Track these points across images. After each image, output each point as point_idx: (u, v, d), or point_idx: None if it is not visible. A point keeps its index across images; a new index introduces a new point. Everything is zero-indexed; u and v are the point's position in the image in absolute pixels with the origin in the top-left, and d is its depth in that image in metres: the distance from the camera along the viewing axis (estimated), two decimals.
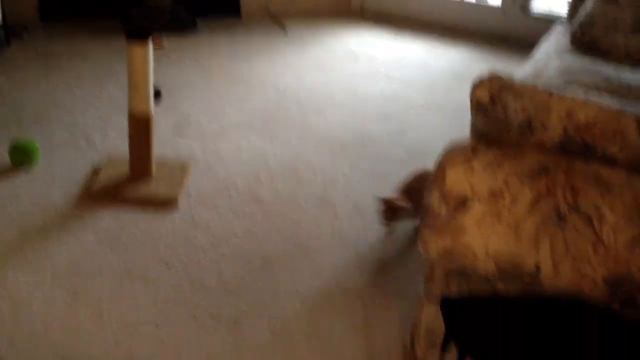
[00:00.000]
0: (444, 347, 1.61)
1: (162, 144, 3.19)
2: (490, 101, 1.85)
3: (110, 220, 2.68)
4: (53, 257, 2.47)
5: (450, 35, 4.99)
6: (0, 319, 2.19)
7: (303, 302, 2.35)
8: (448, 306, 1.59)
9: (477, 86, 1.88)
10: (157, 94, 2.81)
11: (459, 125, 3.45)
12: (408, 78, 4.16)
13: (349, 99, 3.81)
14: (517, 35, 4.81)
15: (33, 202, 2.76)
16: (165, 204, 2.79)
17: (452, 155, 1.84)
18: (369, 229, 2.73)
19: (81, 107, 3.49)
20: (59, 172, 2.95)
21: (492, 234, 1.75)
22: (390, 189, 2.81)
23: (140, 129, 2.82)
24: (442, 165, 1.84)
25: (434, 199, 1.82)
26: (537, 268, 1.74)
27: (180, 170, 2.99)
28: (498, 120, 1.88)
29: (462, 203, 1.78)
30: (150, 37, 2.67)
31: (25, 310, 2.24)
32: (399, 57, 4.54)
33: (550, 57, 3.26)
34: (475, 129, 1.95)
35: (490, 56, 4.61)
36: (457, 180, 1.79)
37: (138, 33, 2.65)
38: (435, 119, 3.64)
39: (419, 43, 4.83)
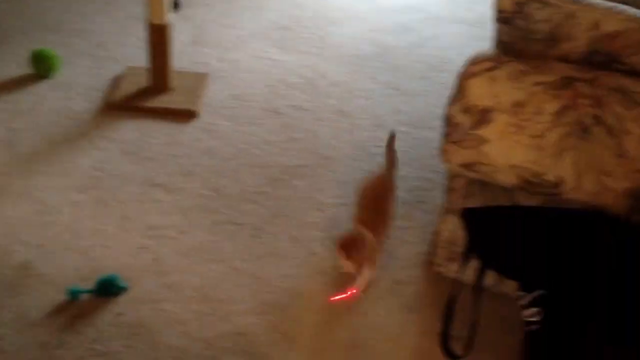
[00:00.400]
0: (465, 259, 1.64)
1: (180, 55, 3.17)
2: (514, 11, 1.83)
3: (131, 131, 2.70)
4: (78, 165, 2.51)
5: None
6: (30, 224, 2.25)
7: (322, 211, 2.39)
8: (469, 216, 1.61)
9: None
10: (177, 4, 2.78)
11: (480, 37, 3.40)
12: None
13: (368, 10, 3.75)
14: None
15: (56, 111, 2.78)
16: (185, 114, 2.81)
17: (475, 66, 1.84)
18: None
19: (101, 17, 3.46)
20: (80, 81, 2.96)
21: (514, 146, 1.76)
22: (408, 104, 2.81)
23: (158, 39, 2.81)
24: (465, 76, 1.83)
25: (455, 111, 1.82)
26: (559, 180, 1.76)
27: (199, 81, 2.99)
28: (522, 31, 1.86)
29: (484, 114, 1.79)
30: None
31: (54, 215, 2.29)
32: None
33: None
34: (498, 41, 1.93)
35: None
36: (480, 91, 1.80)
37: None
38: (457, 30, 3.59)
39: None
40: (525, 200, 1.90)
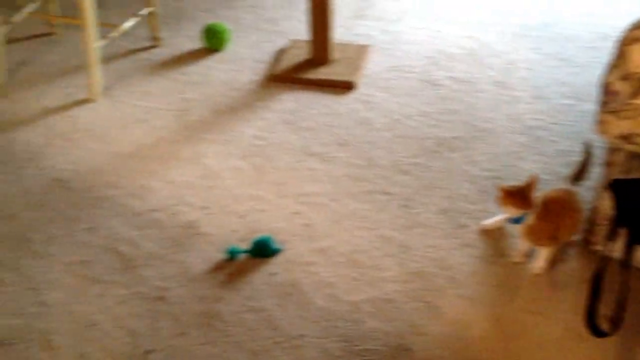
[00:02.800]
0: (613, 232, 1.57)
1: (342, 27, 3.24)
2: None
3: (291, 101, 2.81)
4: (241, 133, 2.65)
5: None
6: (195, 187, 2.42)
7: (474, 183, 2.36)
8: (619, 187, 1.53)
9: None
10: None
11: None
12: None
13: None
14: None
15: (224, 82, 2.94)
16: (343, 85, 2.87)
17: (636, 31, 1.73)
18: (549, 114, 2.65)
19: None
20: (247, 54, 3.11)
21: None
22: (574, 75, 2.68)
23: (320, 12, 2.88)
24: (626, 41, 1.74)
25: (613, 79, 1.73)
26: None
27: (359, 53, 3.03)
28: None
29: None
30: None
31: (217, 180, 2.45)
32: None
33: None
34: None
35: None
36: None
37: None
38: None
39: None
40: None
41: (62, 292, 2.06)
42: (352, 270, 2.10)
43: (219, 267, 2.13)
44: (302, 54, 3.04)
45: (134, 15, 3.08)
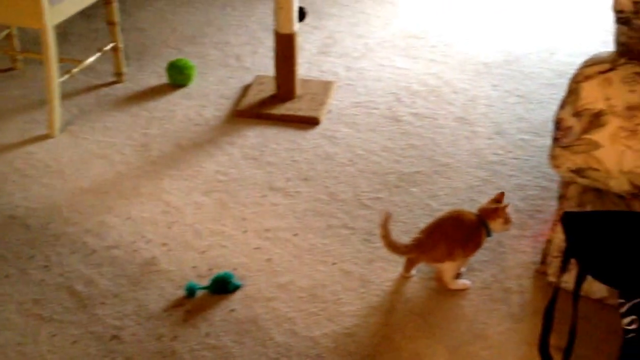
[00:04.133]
0: (564, 264, 1.58)
1: (307, 63, 3.27)
2: (632, 11, 1.74)
3: (255, 137, 2.81)
4: (204, 169, 2.65)
5: None
6: (156, 223, 2.40)
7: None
8: (570, 220, 1.55)
9: None
10: (302, 13, 2.86)
11: None
12: None
13: (498, 17, 3.68)
14: None
15: (188, 118, 2.94)
16: (308, 121, 2.88)
17: (589, 69, 1.77)
18: (508, 149, 2.69)
19: (233, 28, 3.63)
20: (212, 90, 3.12)
21: (627, 151, 1.69)
22: (532, 112, 2.72)
23: (285, 48, 2.90)
24: (578, 78, 1.77)
25: (566, 114, 1.76)
26: None
27: (324, 89, 3.05)
28: None
29: (596, 118, 1.72)
30: None
31: (178, 216, 2.43)
32: None
33: None
34: (617, 42, 1.85)
35: None
36: (592, 93, 1.73)
37: None
38: (590, 37, 3.45)
39: None
40: None
41: (14, 332, 2.02)
42: (313, 305, 2.09)
43: (177, 305, 2.10)
44: (267, 89, 3.05)
45: (98, 50, 3.08)
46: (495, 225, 2.08)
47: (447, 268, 2.08)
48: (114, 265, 2.23)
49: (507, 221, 2.08)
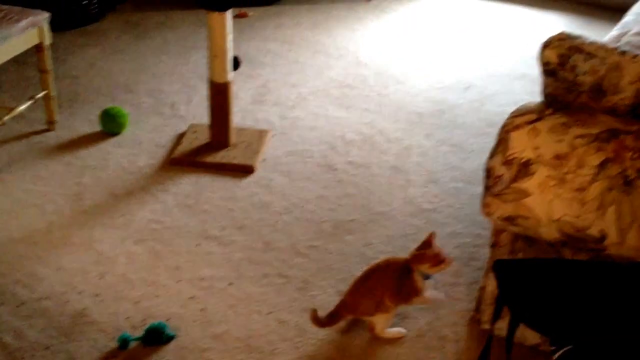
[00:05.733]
0: (497, 312, 1.61)
1: (241, 112, 3.28)
2: (558, 63, 1.82)
3: (189, 185, 2.79)
4: (137, 217, 2.60)
5: (542, 2, 4.85)
6: (87, 273, 2.34)
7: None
8: (502, 268, 1.58)
9: (545, 46, 1.84)
10: (237, 63, 2.89)
11: None
12: (494, 45, 4.09)
13: (430, 67, 3.79)
14: (617, 3, 4.60)
15: (121, 166, 2.90)
16: (243, 170, 2.88)
17: (517, 119, 1.83)
18: (441, 197, 2.74)
19: (168, 76, 3.62)
20: (146, 138, 3.09)
21: (555, 199, 1.74)
22: (464, 161, 2.79)
23: (219, 97, 2.91)
24: (507, 128, 1.83)
25: (496, 163, 1.81)
26: (602, 235, 1.71)
27: (258, 138, 3.06)
28: (567, 83, 1.85)
29: (525, 167, 1.77)
30: (229, 9, 2.74)
31: (110, 266, 2.37)
32: (486, 24, 4.45)
33: (638, 19, 3.13)
34: (544, 93, 1.92)
35: (585, 24, 4.43)
36: (520, 143, 1.78)
37: (217, 5, 2.72)
38: (519, 87, 3.58)
39: (509, 9, 4.71)
40: (572, 256, 1.85)
41: None
42: (249, 356, 2.06)
43: (109, 357, 2.04)
44: (201, 138, 3.04)
45: (30, 98, 3.02)
46: (426, 268, 2.03)
47: (379, 320, 2.08)
48: (45, 316, 2.16)
49: (438, 262, 2.02)
